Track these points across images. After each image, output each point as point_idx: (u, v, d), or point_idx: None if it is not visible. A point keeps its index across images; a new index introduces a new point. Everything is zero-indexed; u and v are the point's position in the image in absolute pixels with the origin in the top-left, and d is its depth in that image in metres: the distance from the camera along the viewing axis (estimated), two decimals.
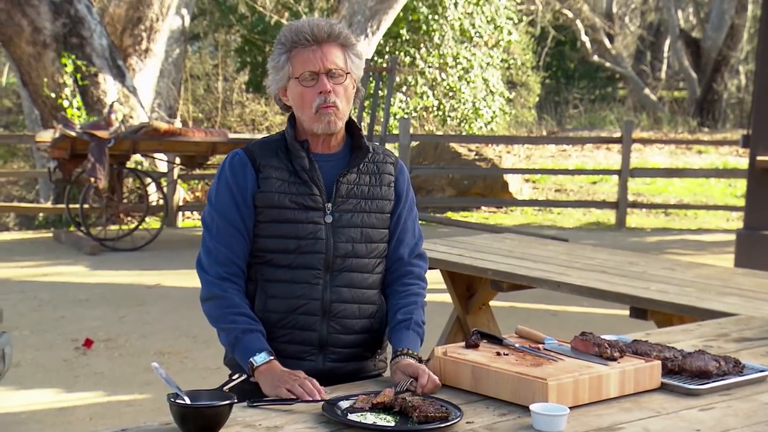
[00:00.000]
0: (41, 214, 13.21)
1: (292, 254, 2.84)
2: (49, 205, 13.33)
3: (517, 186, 15.25)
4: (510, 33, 20.17)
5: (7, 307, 8.23)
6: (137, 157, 12.21)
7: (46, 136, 10.88)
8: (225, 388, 2.57)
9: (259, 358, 2.74)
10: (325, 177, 2.87)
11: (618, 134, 14.95)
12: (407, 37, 18.27)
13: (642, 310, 4.17)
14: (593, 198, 15.94)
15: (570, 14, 27.82)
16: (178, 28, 15.74)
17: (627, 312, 4.38)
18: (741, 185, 15.43)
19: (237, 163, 2.87)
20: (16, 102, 20.12)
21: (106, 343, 7.24)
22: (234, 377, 2.63)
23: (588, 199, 15.87)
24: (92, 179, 10.30)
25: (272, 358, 2.74)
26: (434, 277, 5.66)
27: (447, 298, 5.82)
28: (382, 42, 17.00)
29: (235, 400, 2.46)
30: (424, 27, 18.29)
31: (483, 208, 14.84)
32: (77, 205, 11.24)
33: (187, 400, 2.43)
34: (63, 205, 11.78)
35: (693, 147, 20.07)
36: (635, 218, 14.44)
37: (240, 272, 2.88)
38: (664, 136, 22.04)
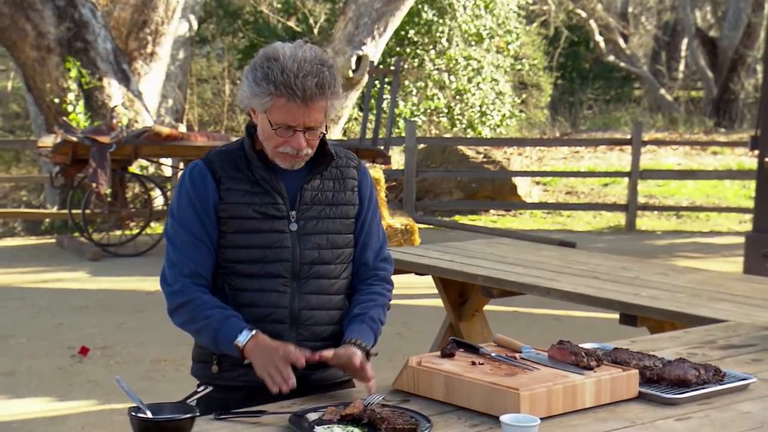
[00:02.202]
0: (47, 220, 13.20)
1: (259, 263, 2.81)
2: (54, 210, 13.31)
3: (526, 189, 15.14)
4: (518, 37, 20.06)
5: (5, 314, 8.27)
6: (143, 161, 12.18)
7: (48, 141, 10.86)
8: (189, 400, 2.53)
9: (243, 338, 2.71)
10: (288, 185, 2.84)
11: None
12: (416, 39, 18.20)
13: (632, 316, 4.09)
14: (604, 201, 15.83)
15: (584, 14, 27.69)
16: (184, 31, 15.72)
17: None
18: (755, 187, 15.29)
19: (197, 174, 2.83)
20: (24, 106, 20.16)
21: (103, 350, 7.19)
22: (200, 389, 2.59)
23: (599, 201, 15.76)
24: (94, 184, 10.27)
25: (254, 332, 2.72)
26: (428, 282, 5.63)
27: (441, 303, 5.75)
28: (390, 44, 16.93)
29: (197, 413, 2.41)
30: (432, 29, 18.21)
31: (491, 211, 14.74)
32: (80, 211, 11.22)
33: (149, 414, 2.38)
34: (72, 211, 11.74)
35: (708, 148, 19.89)
36: (647, 221, 14.32)
37: (206, 283, 2.85)
38: (679, 137, 21.86)
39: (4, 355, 7.04)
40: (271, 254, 2.80)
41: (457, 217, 14.23)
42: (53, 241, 12.24)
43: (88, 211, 11.25)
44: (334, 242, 2.88)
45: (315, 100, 2.70)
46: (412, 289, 7.84)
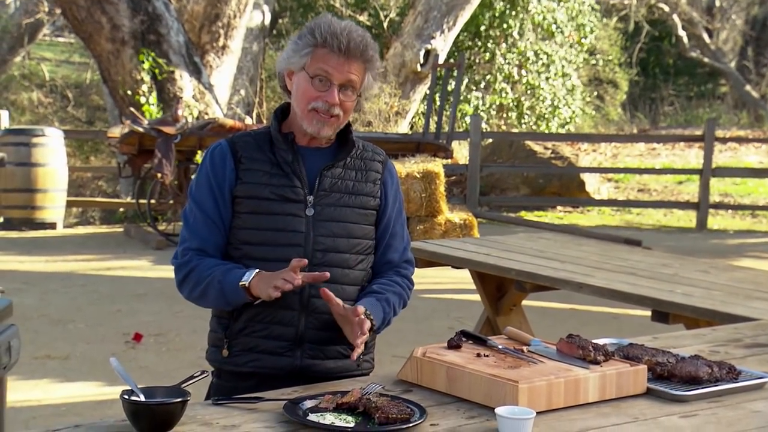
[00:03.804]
0: (121, 209, 13.44)
1: (270, 246, 2.77)
2: (127, 200, 13.54)
3: (594, 185, 14.93)
4: (592, 31, 19.76)
5: (67, 300, 8.41)
6: None
7: (117, 131, 11.05)
8: (184, 385, 2.52)
9: (247, 277, 2.70)
10: (309, 169, 2.81)
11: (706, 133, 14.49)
12: (489, 33, 18.05)
13: (664, 313, 3.99)
14: (677, 198, 15.54)
15: (666, 8, 27.21)
16: (257, 24, 15.84)
17: None
18: None
19: (217, 154, 2.84)
20: (104, 98, 20.54)
21: (156, 337, 7.28)
22: (196, 374, 2.59)
23: (671, 199, 15.48)
24: (159, 175, 10.41)
25: (258, 270, 2.70)
26: (467, 276, 5.58)
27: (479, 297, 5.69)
28: (460, 38, 16.82)
29: (189, 398, 2.40)
30: (503, 22, 18.03)
31: (558, 207, 14.57)
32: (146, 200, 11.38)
33: (142, 397, 2.39)
34: (140, 200, 11.92)
35: None
36: (720, 219, 14.02)
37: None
38: (762, 134, 21.37)
39: (61, 340, 7.17)
40: (282, 238, 2.76)
41: (523, 213, 14.08)
42: (122, 230, 12.45)
43: (153, 201, 11.40)
44: (351, 231, 2.83)
45: (356, 56, 2.73)
46: (468, 284, 7.78)
